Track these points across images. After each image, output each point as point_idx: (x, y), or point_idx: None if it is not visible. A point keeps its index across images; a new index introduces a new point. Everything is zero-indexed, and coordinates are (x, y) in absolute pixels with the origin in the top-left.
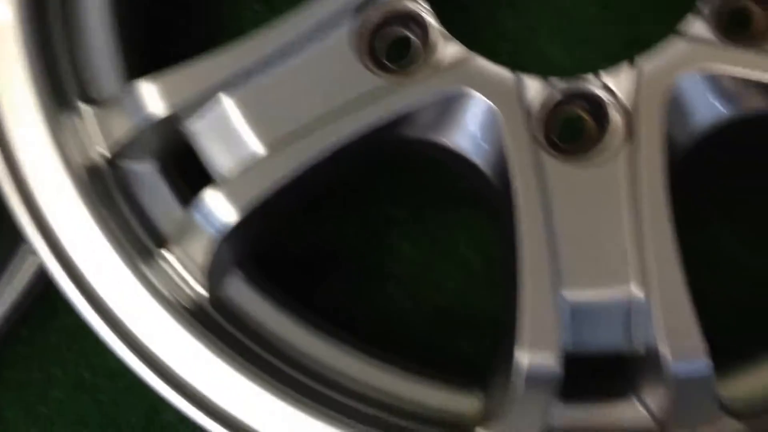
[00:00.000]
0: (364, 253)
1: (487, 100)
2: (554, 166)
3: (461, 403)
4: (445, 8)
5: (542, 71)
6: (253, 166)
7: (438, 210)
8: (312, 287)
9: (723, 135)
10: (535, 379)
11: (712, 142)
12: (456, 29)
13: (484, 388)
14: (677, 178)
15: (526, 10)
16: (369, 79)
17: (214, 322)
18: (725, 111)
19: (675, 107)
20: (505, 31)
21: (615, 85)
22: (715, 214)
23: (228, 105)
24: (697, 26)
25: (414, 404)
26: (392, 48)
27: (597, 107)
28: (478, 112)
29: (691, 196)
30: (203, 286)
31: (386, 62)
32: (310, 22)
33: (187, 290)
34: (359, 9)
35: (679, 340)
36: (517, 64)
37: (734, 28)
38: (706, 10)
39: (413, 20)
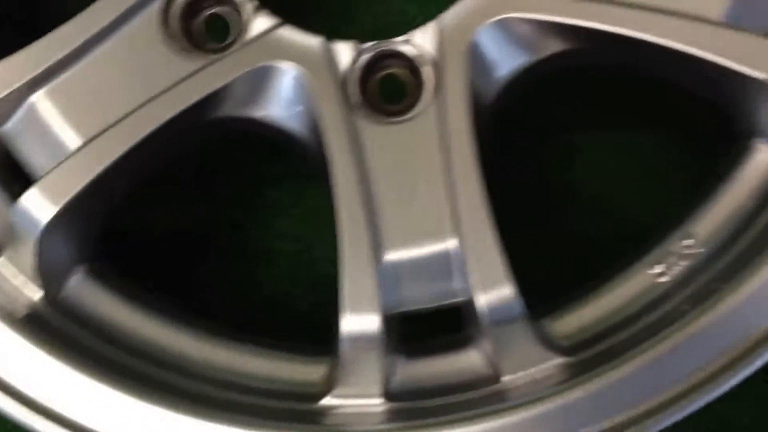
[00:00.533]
0: (245, 235)
1: (296, 70)
2: (369, 128)
3: (312, 372)
4: None
5: (403, 30)
6: (65, 161)
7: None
8: (190, 271)
9: None
10: (359, 342)
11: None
12: None
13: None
14: (489, 126)
15: None
16: (179, 62)
17: (50, 323)
18: (526, 57)
19: (476, 58)
20: None
21: (422, 41)
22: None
23: (40, 102)
24: None
25: (264, 380)
26: (209, 27)
27: (409, 65)
28: (290, 83)
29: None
30: (39, 287)
31: (203, 42)
32: (117, 7)
33: (23, 293)
34: None
35: (489, 286)
36: (379, 24)
37: None
38: None
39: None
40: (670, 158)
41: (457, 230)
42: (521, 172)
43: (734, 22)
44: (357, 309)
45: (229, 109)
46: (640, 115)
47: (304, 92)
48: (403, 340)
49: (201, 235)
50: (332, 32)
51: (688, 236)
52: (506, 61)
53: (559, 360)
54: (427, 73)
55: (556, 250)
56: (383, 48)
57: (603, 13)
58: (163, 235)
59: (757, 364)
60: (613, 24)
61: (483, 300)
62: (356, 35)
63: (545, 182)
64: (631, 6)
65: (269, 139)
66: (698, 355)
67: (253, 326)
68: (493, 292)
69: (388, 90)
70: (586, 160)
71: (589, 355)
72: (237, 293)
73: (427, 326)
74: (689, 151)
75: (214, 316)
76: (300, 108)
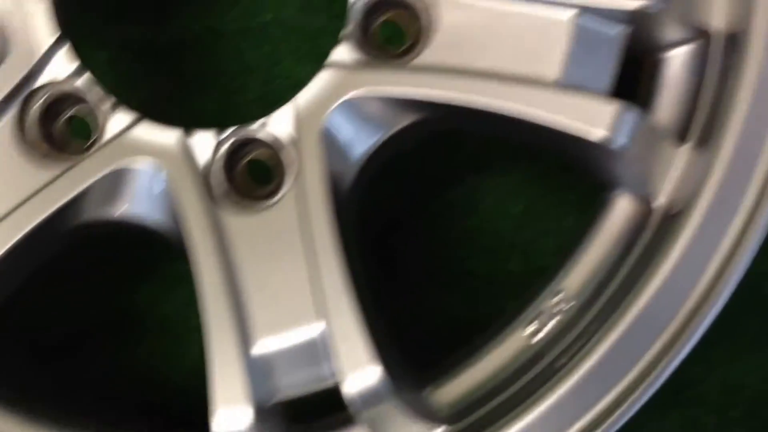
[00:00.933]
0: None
1: (155, 167)
2: (233, 218)
3: None
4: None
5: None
6: None
7: None
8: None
9: None
10: None
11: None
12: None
13: None
14: (353, 203)
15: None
16: (39, 169)
17: None
18: (378, 134)
19: (331, 139)
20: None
21: (279, 125)
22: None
23: None
24: (345, 53)
25: None
26: (72, 129)
27: (268, 151)
28: (150, 180)
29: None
30: None
31: (66, 145)
32: None
33: None
34: (9, 100)
35: (354, 370)
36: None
37: (384, 46)
38: (351, 35)
39: (79, 100)
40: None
41: (322, 315)
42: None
43: (571, 83)
44: (228, 403)
45: (92, 212)
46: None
47: (165, 189)
48: (291, 422)
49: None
50: (222, 101)
51: (559, 292)
52: (361, 141)
53: (440, 430)
54: (288, 156)
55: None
56: (242, 135)
57: (440, 84)
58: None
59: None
60: (451, 93)
61: (350, 383)
62: (247, 103)
63: (448, 228)
64: (467, 73)
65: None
66: (574, 409)
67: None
68: (359, 375)
69: (256, 175)
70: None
71: (470, 422)
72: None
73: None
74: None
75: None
76: (164, 205)
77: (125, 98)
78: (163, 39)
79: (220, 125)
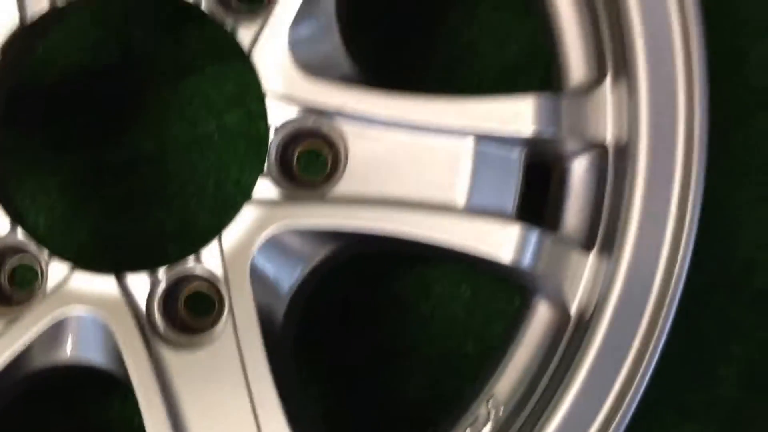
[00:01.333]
0: None
1: (95, 312)
2: (173, 354)
3: None
4: None
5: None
6: None
7: None
8: None
9: None
10: None
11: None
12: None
13: None
14: (288, 327)
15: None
16: None
17: None
18: (304, 264)
19: (258, 273)
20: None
21: (210, 261)
22: None
23: None
24: (265, 189)
25: None
26: (13, 281)
27: (205, 283)
28: (92, 325)
29: None
30: None
31: (10, 297)
32: None
33: None
34: None
35: None
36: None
37: (302, 177)
38: (271, 170)
39: (20, 251)
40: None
41: None
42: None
43: (477, 207)
44: None
45: (41, 359)
46: None
47: (105, 329)
48: None
49: None
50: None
51: (490, 398)
52: (287, 273)
53: None
54: (220, 293)
55: None
56: (178, 273)
57: (355, 215)
58: None
59: None
60: (367, 222)
61: None
62: (202, 214)
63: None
64: (379, 202)
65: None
66: None
67: None
68: None
69: (194, 308)
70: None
71: None
72: None
73: None
74: None
75: None
76: (107, 347)
77: (72, 234)
78: (113, 158)
79: (179, 244)
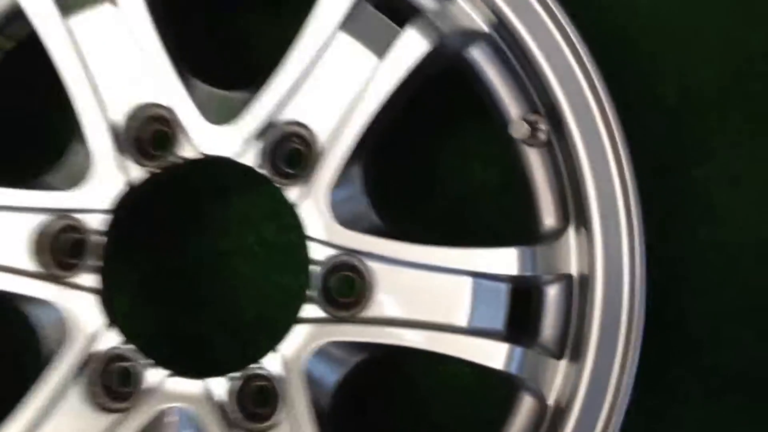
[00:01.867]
0: None
1: (187, 407)
2: None
3: None
4: None
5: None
6: None
7: None
8: None
9: None
10: None
11: None
12: None
13: None
14: (334, 415)
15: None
16: (100, 417)
17: None
18: (345, 365)
19: (309, 374)
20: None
21: (272, 366)
22: None
23: None
24: (311, 311)
25: None
26: (119, 384)
27: (268, 383)
28: (186, 419)
29: None
30: None
31: (117, 397)
32: None
33: None
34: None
35: None
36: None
37: (338, 301)
38: (315, 296)
39: (124, 359)
40: None
41: None
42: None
43: (475, 327)
44: None
45: None
46: None
47: (194, 424)
48: None
49: None
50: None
51: None
52: (331, 374)
53: None
54: (282, 390)
55: None
56: (247, 373)
57: (381, 333)
58: None
59: None
60: (390, 339)
61: None
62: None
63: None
64: (397, 323)
65: None
66: None
67: None
68: None
69: (262, 402)
70: None
71: None
72: None
73: None
74: None
75: None
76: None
77: (162, 344)
78: (176, 264)
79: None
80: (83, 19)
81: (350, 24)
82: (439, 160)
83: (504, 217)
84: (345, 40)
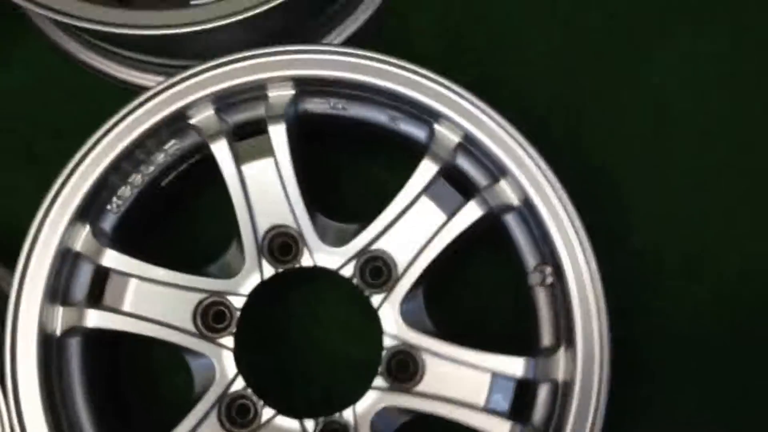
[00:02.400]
0: None
1: None
2: None
3: None
4: None
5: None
6: None
7: None
8: None
9: None
10: None
11: None
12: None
13: None
14: None
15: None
16: None
17: None
18: (393, 425)
19: (374, 427)
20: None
21: (348, 417)
22: None
23: None
24: (379, 382)
25: None
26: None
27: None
28: None
29: None
30: None
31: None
32: None
33: None
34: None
35: None
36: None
37: (397, 375)
38: (382, 372)
39: (246, 398)
40: None
41: None
42: None
43: (490, 408)
44: None
45: None
46: None
47: None
48: None
49: None
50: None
51: None
52: (389, 428)
53: None
54: None
55: None
56: (330, 419)
57: (425, 404)
58: None
59: None
60: (428, 409)
61: None
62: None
63: None
64: (435, 398)
65: None
66: None
67: None
68: None
69: None
70: None
71: None
72: None
73: None
74: None
75: None
76: None
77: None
78: (288, 339)
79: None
80: (250, 166)
81: (430, 190)
82: (467, 287)
83: (514, 331)
84: (425, 200)
